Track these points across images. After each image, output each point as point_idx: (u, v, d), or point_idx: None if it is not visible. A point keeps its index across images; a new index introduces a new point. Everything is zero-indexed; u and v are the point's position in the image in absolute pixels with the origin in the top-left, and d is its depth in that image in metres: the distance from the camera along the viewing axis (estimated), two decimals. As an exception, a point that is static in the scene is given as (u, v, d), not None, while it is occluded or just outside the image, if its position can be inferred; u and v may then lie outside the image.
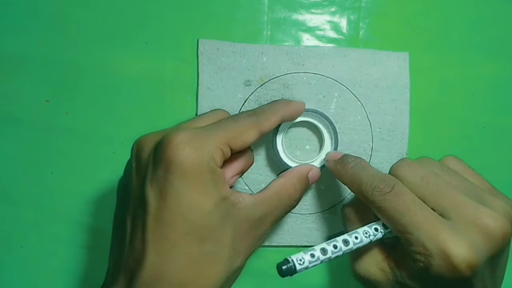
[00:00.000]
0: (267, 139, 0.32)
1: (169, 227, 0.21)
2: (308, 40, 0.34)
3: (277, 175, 0.32)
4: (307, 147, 0.33)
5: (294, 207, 0.27)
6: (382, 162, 0.34)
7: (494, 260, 0.23)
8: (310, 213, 0.33)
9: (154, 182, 0.22)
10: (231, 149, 0.24)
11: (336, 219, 0.34)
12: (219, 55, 0.33)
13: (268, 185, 0.26)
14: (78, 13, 0.33)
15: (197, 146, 0.22)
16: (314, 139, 0.33)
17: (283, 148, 0.32)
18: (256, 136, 0.25)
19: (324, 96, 0.33)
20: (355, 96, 0.34)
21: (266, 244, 0.33)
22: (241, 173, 0.28)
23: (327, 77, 0.33)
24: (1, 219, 0.33)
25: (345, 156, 0.28)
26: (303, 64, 0.33)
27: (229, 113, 0.30)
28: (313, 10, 0.34)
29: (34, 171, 0.33)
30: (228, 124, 0.25)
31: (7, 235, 0.33)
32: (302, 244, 0.34)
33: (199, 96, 0.33)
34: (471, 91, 0.35)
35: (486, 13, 0.36)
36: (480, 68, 0.35)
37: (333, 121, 0.32)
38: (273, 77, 0.33)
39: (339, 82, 0.33)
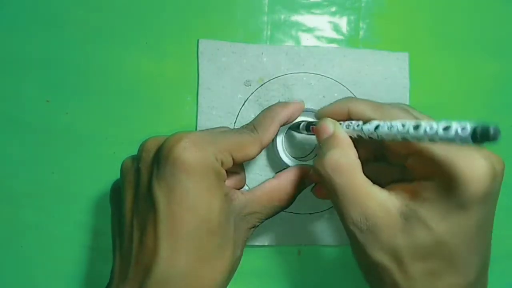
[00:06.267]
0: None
1: (180, 222, 0.22)
2: (308, 40, 0.34)
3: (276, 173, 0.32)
4: (307, 147, 0.33)
5: (286, 207, 0.28)
6: (382, 162, 0.34)
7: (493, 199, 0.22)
8: (310, 213, 0.33)
9: (161, 180, 0.22)
10: (233, 159, 0.25)
11: (336, 219, 0.34)
12: (219, 55, 0.33)
13: (261, 184, 0.27)
14: (78, 13, 0.33)
15: (203, 147, 0.23)
16: (313, 138, 0.33)
17: (283, 148, 0.32)
18: (258, 151, 0.26)
19: (324, 96, 0.33)
20: (355, 96, 0.34)
21: (266, 243, 0.33)
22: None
23: (327, 77, 0.33)
24: (1, 219, 0.33)
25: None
26: (303, 64, 0.33)
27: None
28: (313, 11, 0.34)
29: (34, 171, 0.33)
30: (232, 135, 0.26)
31: (7, 235, 0.33)
32: (302, 244, 0.34)
33: (199, 96, 0.33)
34: (471, 91, 0.36)
35: (486, 13, 0.36)
36: (480, 68, 0.35)
37: None
38: (273, 77, 0.33)
39: (339, 82, 0.33)
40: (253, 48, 0.33)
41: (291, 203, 0.28)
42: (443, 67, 0.35)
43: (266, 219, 0.27)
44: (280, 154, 0.31)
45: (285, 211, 0.33)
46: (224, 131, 0.27)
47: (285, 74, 0.33)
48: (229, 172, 0.28)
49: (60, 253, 0.33)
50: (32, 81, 0.33)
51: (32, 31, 0.33)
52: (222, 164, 0.24)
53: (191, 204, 0.22)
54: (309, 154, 0.33)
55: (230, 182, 0.28)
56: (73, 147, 0.33)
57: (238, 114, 0.33)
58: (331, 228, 0.34)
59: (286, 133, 0.33)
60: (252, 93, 0.33)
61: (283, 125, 0.30)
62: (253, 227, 0.26)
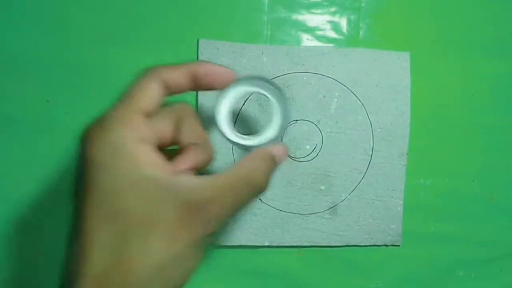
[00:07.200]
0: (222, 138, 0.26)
1: (88, 218, 0.21)
2: (308, 40, 0.34)
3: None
4: (307, 146, 0.33)
5: (263, 192, 0.23)
6: (382, 162, 0.34)
7: None
8: (310, 213, 0.33)
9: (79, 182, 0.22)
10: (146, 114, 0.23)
11: (336, 219, 0.34)
12: (219, 55, 0.33)
13: (227, 170, 0.22)
14: (78, 13, 0.33)
15: (106, 136, 0.22)
16: (314, 138, 0.33)
17: (228, 125, 0.26)
18: (157, 83, 0.24)
19: (324, 96, 0.33)
20: (356, 96, 0.34)
21: (267, 244, 0.33)
22: (197, 168, 0.23)
23: (328, 77, 0.33)
24: (1, 219, 0.33)
25: None
26: (303, 64, 0.33)
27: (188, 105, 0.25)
28: (313, 10, 0.34)
29: (34, 171, 0.33)
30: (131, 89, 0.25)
31: (7, 235, 0.33)
32: (302, 244, 0.34)
33: (199, 96, 0.33)
34: (471, 91, 0.35)
35: (486, 13, 0.36)
36: (480, 68, 0.35)
37: (281, 87, 0.26)
38: (273, 77, 0.33)
39: (339, 82, 0.33)
40: (253, 48, 0.33)
41: (267, 187, 0.23)
42: (444, 66, 0.35)
43: (238, 206, 0.22)
44: (223, 129, 0.26)
45: (285, 211, 0.33)
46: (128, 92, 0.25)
47: (285, 74, 0.33)
48: (188, 146, 0.23)
49: (60, 253, 0.33)
50: (32, 81, 0.33)
51: (32, 31, 0.33)
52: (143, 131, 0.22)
53: (100, 197, 0.21)
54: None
55: (191, 157, 0.23)
56: (73, 147, 0.33)
57: (238, 114, 0.33)
58: (331, 228, 0.34)
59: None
60: (252, 93, 0.33)
61: (207, 85, 0.25)
62: (215, 220, 0.21)
